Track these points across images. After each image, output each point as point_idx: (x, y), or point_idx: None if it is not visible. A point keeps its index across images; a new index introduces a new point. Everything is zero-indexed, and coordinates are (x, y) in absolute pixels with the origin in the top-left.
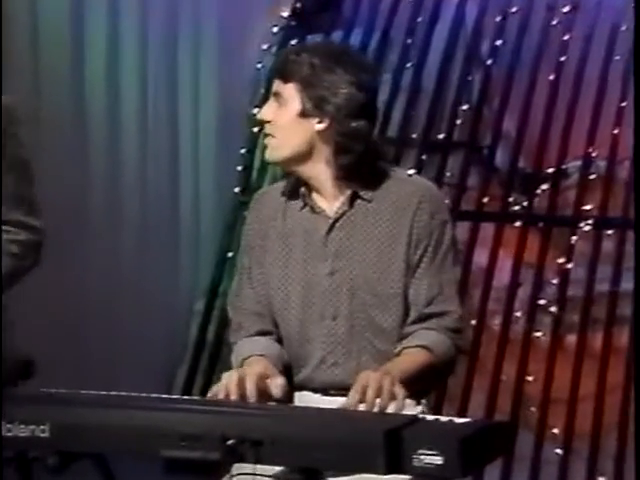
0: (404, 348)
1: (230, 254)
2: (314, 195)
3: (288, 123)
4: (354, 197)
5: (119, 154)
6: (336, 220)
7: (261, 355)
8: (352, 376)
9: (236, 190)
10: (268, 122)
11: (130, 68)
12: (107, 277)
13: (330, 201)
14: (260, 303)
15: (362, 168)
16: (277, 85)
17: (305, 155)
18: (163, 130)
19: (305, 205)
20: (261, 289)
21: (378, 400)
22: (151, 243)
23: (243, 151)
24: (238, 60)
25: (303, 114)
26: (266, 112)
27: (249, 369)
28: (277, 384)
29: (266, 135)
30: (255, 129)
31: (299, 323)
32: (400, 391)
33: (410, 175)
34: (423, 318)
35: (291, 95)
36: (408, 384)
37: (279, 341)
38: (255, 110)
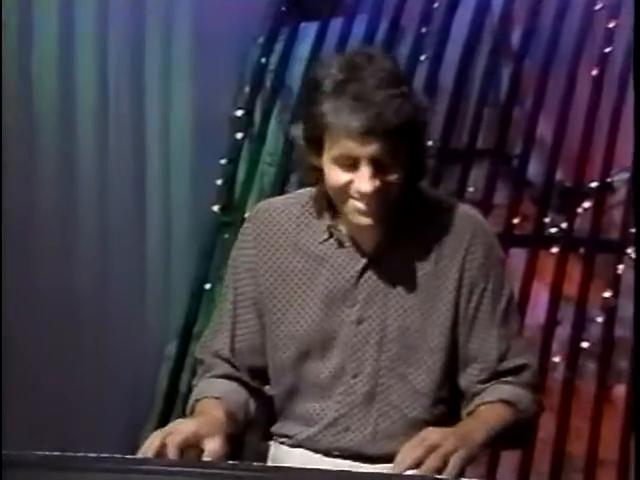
0: (480, 405)
1: (207, 286)
2: (347, 224)
3: (400, 181)
4: (397, 230)
5: (73, 166)
6: (372, 258)
7: (217, 398)
8: (365, 444)
9: (215, 208)
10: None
11: (87, 62)
12: (59, 313)
13: (367, 234)
14: (238, 357)
15: (408, 194)
16: (364, 150)
17: None
18: (126, 136)
19: (331, 235)
20: (245, 341)
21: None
22: (113, 273)
23: (224, 161)
24: (218, 52)
25: (413, 153)
26: (372, 183)
27: (178, 428)
28: (210, 450)
29: (368, 200)
30: (239, 135)
31: (313, 377)
32: (453, 468)
33: (456, 203)
34: (496, 376)
35: (393, 153)
36: (488, 444)
37: (255, 393)
38: (239, 112)
